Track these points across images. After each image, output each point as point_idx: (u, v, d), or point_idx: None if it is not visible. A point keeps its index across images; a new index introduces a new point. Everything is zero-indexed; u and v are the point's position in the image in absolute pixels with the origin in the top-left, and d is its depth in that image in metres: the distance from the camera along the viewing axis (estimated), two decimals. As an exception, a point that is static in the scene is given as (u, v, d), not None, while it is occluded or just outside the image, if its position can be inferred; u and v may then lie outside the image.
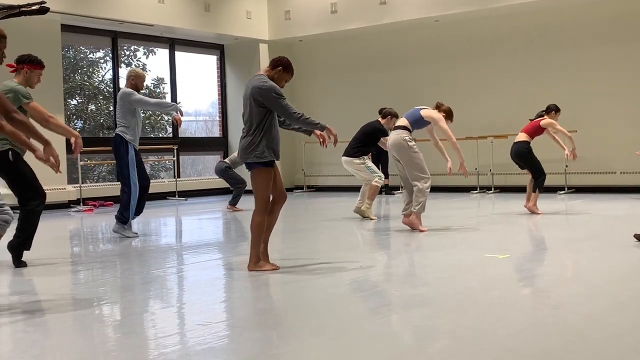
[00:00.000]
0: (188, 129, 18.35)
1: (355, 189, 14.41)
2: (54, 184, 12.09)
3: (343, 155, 9.34)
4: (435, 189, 13.36)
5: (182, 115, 8.08)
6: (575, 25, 12.61)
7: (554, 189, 12.47)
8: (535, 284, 4.83)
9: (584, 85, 12.54)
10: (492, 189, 13.22)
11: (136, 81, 7.92)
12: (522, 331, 3.51)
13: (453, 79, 13.92)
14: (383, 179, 9.29)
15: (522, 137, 9.09)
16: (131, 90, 7.81)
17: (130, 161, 7.74)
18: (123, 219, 7.82)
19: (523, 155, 9.03)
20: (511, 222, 8.47)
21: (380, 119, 9.48)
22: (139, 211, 7.87)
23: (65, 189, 12.26)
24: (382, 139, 9.20)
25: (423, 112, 7.71)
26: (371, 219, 8.98)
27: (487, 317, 3.81)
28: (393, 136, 7.69)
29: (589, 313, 3.88)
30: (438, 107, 7.84)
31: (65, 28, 12.57)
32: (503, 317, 3.81)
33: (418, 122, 7.74)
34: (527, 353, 3.14)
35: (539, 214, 8.96)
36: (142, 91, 8.00)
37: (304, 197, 14.13)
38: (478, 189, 13.34)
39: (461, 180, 13.61)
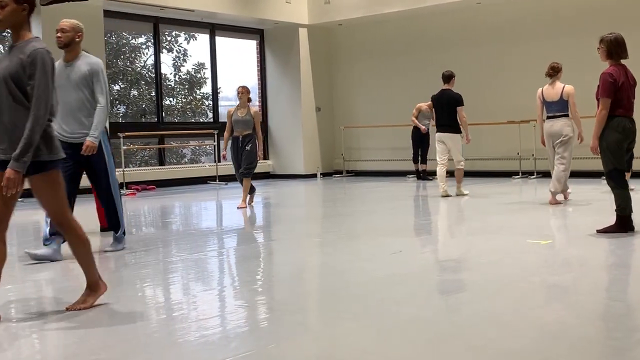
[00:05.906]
0: (228, 114, 18.47)
1: (395, 174, 14.42)
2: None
3: (440, 132, 9.63)
4: (476, 174, 13.30)
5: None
6: (611, 8, 12.31)
7: (597, 174, 12.24)
8: (577, 270, 4.76)
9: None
10: (535, 174, 13.03)
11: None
12: (563, 317, 3.47)
13: (494, 62, 13.72)
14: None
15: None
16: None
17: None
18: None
19: None
20: (553, 207, 8.35)
21: (447, 85, 9.77)
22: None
23: (108, 173, 12.43)
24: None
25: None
26: (465, 195, 9.62)
27: (528, 302, 3.78)
28: (565, 120, 8.34)
29: (634, 300, 3.81)
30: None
31: (108, 14, 12.71)
32: (544, 302, 3.77)
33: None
34: (569, 338, 3.10)
35: None
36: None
37: (343, 181, 14.13)
38: (520, 174, 13.16)
39: (503, 166, 13.47)
